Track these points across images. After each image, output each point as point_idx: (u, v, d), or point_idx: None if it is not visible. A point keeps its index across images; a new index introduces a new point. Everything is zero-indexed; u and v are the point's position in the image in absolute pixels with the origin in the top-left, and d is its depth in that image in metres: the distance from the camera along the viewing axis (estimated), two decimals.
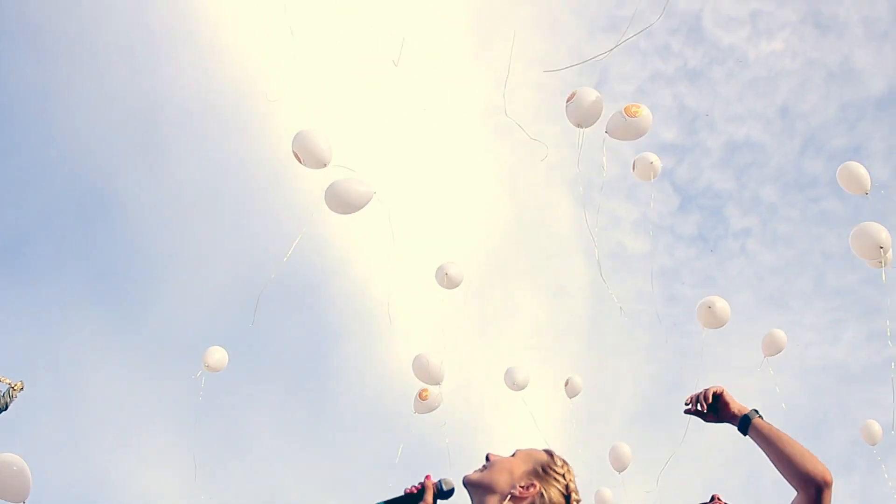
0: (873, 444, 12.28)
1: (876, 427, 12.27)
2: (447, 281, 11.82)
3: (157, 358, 20.29)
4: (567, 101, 9.35)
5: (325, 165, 9.17)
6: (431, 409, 11.97)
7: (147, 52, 19.82)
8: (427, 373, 11.58)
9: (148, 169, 21.12)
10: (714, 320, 11.25)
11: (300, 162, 9.21)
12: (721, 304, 11.21)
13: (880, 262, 9.66)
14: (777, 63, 20.11)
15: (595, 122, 9.33)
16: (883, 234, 9.77)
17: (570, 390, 13.16)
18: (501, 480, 2.59)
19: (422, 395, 11.91)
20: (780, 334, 12.44)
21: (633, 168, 10.84)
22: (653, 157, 10.77)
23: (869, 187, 10.30)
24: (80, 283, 21.25)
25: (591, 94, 9.23)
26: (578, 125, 9.22)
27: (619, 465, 12.64)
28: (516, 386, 12.54)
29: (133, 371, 19.60)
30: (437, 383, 11.74)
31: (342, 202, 9.34)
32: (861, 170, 10.24)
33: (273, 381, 20.49)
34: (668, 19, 19.69)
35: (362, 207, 9.44)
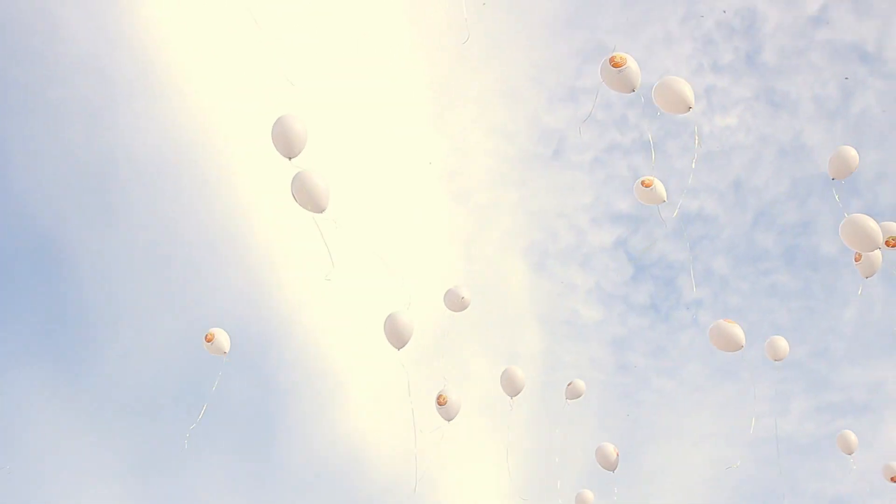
0: None
1: None
2: (460, 304, 12.02)
3: (103, 413, 19.91)
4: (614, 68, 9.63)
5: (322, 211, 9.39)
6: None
7: (105, 103, 19.74)
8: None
9: (100, 221, 20.93)
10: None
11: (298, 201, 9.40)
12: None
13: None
14: (731, 138, 20.45)
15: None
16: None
17: (571, 392, 13.19)
18: None
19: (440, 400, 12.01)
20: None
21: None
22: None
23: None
24: (26, 334, 20.90)
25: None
26: (633, 90, 9.47)
27: None
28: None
29: (78, 426, 19.22)
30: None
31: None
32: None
33: (220, 441, 20.14)
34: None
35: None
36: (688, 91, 9.62)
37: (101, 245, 20.87)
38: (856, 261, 11.11)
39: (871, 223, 9.72)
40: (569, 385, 13.45)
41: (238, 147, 19.11)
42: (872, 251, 10.07)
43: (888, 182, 20.60)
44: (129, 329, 21.33)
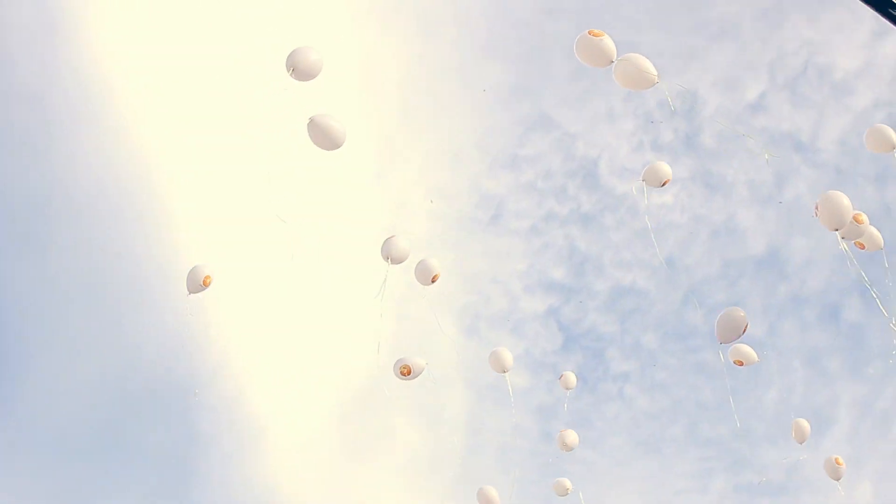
0: None
1: None
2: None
3: (18, 451, 19.40)
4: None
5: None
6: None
7: (43, 133, 19.50)
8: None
9: (29, 253, 20.56)
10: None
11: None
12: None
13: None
14: (666, 216, 20.79)
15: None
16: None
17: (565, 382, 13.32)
18: None
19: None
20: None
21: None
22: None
23: None
24: None
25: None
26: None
27: None
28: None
29: None
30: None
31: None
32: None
33: (136, 485, 19.71)
34: (567, 162, 20.30)
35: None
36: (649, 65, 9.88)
37: (28, 279, 20.49)
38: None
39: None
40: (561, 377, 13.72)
41: (180, 187, 18.98)
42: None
43: (815, 267, 21.07)
44: (52, 366, 20.87)
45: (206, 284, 12.10)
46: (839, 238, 10.43)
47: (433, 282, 12.61)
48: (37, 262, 20.53)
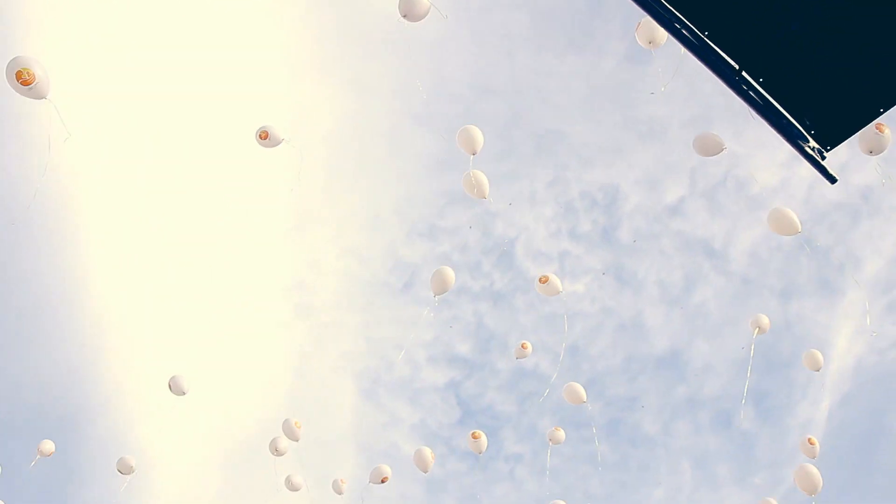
0: None
1: None
2: None
3: None
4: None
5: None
6: None
7: None
8: None
9: None
10: None
11: None
12: None
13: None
14: (576, 304, 21.00)
15: None
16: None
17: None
18: None
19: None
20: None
21: None
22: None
23: None
24: None
25: None
26: None
27: None
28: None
29: None
30: None
31: None
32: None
33: None
34: (485, 239, 20.43)
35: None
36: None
37: None
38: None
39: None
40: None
41: (95, 219, 18.64)
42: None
43: (713, 372, 21.42)
44: None
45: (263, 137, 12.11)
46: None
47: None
48: None
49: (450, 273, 12.62)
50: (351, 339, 21.27)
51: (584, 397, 13.24)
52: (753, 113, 4.84)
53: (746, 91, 4.81)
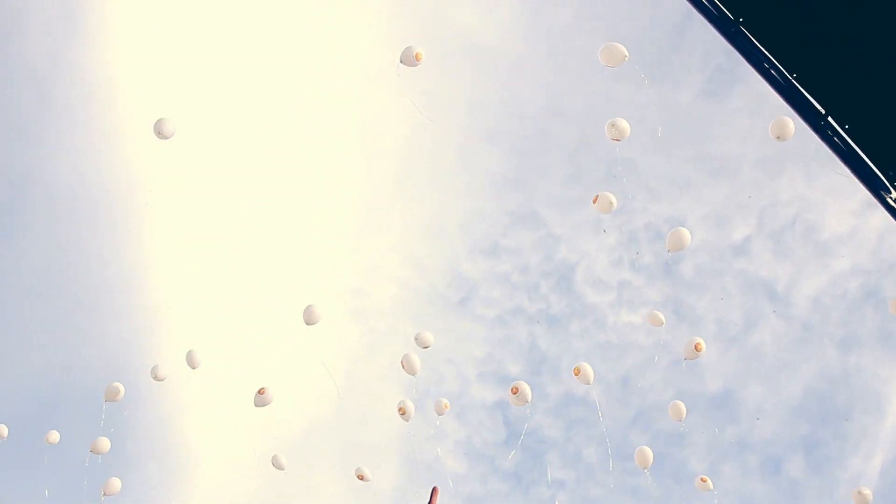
0: None
1: None
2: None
3: None
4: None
5: None
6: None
7: (37, 122, 19.41)
8: None
9: None
10: None
11: None
12: None
13: None
14: (630, 335, 20.83)
15: None
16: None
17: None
18: None
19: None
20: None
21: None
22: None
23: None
24: None
25: None
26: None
27: None
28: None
29: None
30: None
31: None
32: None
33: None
34: (545, 262, 20.37)
35: None
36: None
37: None
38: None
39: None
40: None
41: (159, 207, 18.91)
42: None
43: (765, 416, 21.08)
44: None
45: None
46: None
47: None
48: (6, 239, 20.33)
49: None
50: (403, 349, 21.27)
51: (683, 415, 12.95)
52: (836, 158, 4.76)
53: (831, 136, 4.73)
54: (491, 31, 19.36)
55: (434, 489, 11.30)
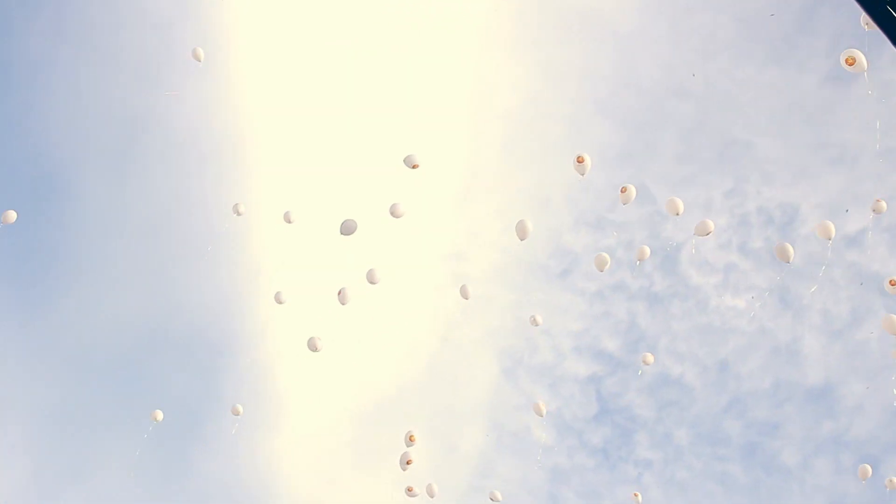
0: None
1: None
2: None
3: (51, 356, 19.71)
4: None
5: None
6: None
7: (163, 66, 19.79)
8: None
9: (115, 172, 20.95)
10: None
11: None
12: None
13: None
14: (733, 319, 20.44)
15: None
16: None
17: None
18: None
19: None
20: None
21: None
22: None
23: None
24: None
25: None
26: None
27: None
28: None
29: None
30: None
31: None
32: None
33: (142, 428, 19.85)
34: (652, 240, 20.05)
35: None
36: None
37: (106, 196, 20.85)
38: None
39: None
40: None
41: (267, 163, 19.20)
42: None
43: (864, 414, 20.55)
44: (105, 284, 21.16)
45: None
46: None
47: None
48: (119, 177, 20.88)
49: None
50: (500, 316, 21.25)
51: None
52: None
53: None
54: (609, 1, 19.05)
55: None
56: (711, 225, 13.70)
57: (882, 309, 20.03)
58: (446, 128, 19.02)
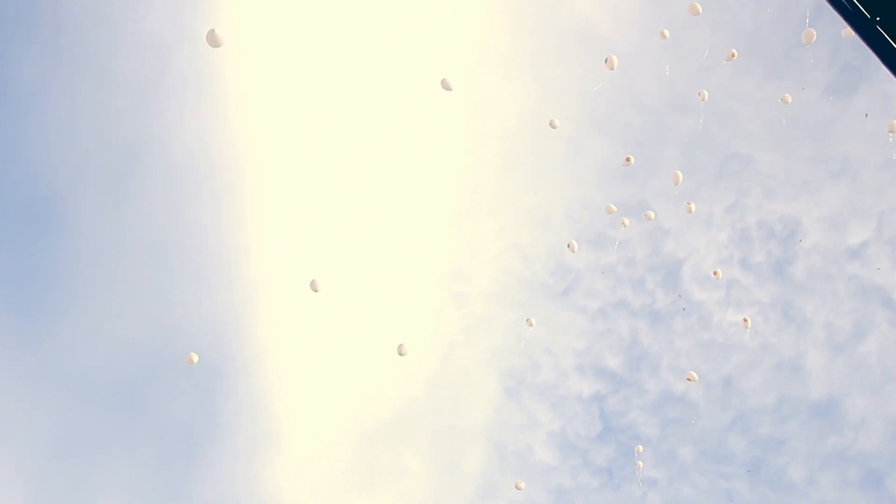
0: None
1: None
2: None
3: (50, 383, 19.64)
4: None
5: None
6: None
7: (159, 89, 19.75)
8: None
9: (110, 196, 20.89)
10: None
11: None
12: None
13: None
14: (735, 335, 20.32)
15: None
16: None
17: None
18: None
19: None
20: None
21: None
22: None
23: None
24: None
25: None
26: None
27: None
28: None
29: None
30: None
31: None
32: None
33: (140, 451, 19.77)
34: (653, 256, 19.96)
35: None
36: None
37: (103, 220, 20.78)
38: None
39: None
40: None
41: (263, 178, 19.13)
42: None
43: (869, 428, 20.43)
44: (99, 311, 21.07)
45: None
46: None
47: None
48: (117, 201, 20.82)
49: None
50: (501, 335, 21.16)
51: None
52: None
53: None
54: (607, 19, 19.02)
55: None
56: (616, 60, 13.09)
57: (884, 322, 19.92)
58: (445, 146, 18.97)
